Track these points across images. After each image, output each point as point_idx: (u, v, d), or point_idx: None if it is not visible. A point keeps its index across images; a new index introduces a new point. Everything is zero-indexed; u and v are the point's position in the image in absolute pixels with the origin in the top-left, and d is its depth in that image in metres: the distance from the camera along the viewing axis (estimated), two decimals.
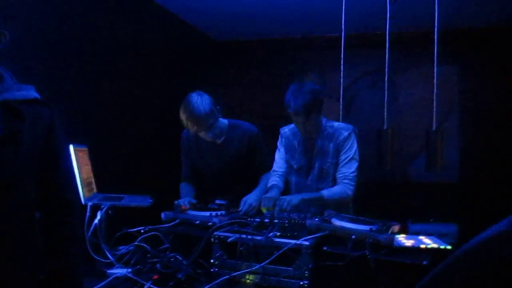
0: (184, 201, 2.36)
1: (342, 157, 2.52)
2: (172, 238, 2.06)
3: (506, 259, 0.79)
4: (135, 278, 1.79)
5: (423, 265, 1.56)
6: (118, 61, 3.41)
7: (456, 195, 4.50)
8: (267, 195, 2.43)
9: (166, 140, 3.36)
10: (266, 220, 2.01)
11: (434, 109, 2.68)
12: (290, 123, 2.69)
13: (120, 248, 2.11)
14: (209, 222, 2.08)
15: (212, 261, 1.84)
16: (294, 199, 2.28)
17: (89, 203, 2.04)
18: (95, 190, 2.30)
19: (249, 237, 1.80)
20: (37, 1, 2.54)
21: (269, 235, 1.79)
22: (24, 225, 1.34)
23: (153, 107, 3.90)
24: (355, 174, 2.51)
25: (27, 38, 2.43)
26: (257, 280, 1.75)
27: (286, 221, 1.96)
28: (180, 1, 3.83)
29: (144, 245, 1.97)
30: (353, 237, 1.70)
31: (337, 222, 1.86)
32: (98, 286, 1.78)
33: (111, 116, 3.29)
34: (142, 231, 2.03)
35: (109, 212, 2.06)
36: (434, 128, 2.66)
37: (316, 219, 1.91)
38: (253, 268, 1.76)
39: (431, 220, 4.32)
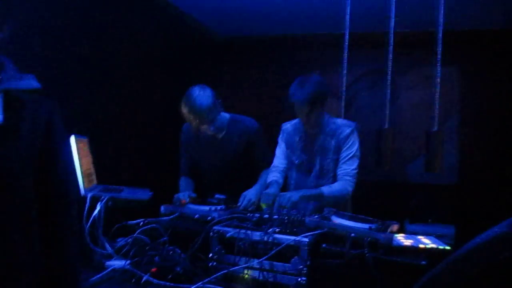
0: (184, 195, 2.36)
1: (344, 154, 2.51)
2: (171, 231, 2.06)
3: (506, 261, 0.79)
4: (133, 270, 1.79)
5: (422, 265, 1.57)
6: (121, 54, 3.40)
7: (454, 196, 4.51)
8: (267, 191, 2.43)
9: (167, 134, 3.37)
10: (266, 216, 2.01)
11: (436, 110, 2.68)
12: (292, 119, 2.69)
13: (119, 240, 2.11)
14: (209, 216, 2.08)
15: (210, 255, 1.85)
16: (294, 195, 2.28)
17: (89, 194, 2.04)
18: (95, 181, 2.30)
19: (248, 232, 1.81)
20: None
21: (268, 231, 1.79)
22: (23, 218, 1.33)
23: (155, 101, 3.90)
24: (356, 171, 2.51)
25: (28, 27, 2.42)
26: (255, 276, 1.76)
27: (286, 218, 1.96)
28: None
29: (143, 237, 1.97)
30: (353, 235, 1.71)
31: (337, 220, 1.87)
32: (96, 277, 1.78)
33: (113, 109, 3.29)
34: (141, 223, 2.03)
35: (109, 203, 2.06)
36: (434, 129, 2.66)
37: (316, 216, 1.91)
38: (251, 264, 1.76)
39: (429, 221, 4.34)
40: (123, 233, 2.09)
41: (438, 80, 2.72)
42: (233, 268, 1.78)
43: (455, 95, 4.65)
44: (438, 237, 1.84)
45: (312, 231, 1.80)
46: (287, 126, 2.71)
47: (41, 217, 1.38)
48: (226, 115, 2.72)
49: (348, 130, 2.52)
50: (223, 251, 1.84)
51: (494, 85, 4.54)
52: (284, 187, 2.66)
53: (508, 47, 4.40)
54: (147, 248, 1.92)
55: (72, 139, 2.04)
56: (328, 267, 1.68)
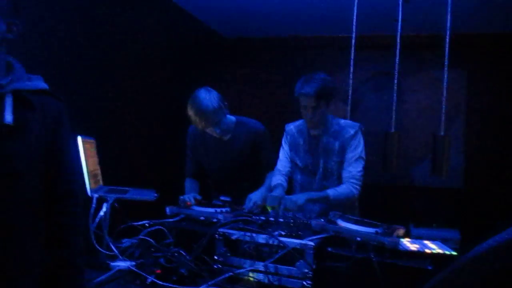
0: (189, 197, 2.36)
1: (349, 156, 2.49)
2: (176, 233, 2.06)
3: None
4: (138, 271, 1.79)
5: (427, 269, 1.56)
6: (127, 55, 3.41)
7: (460, 201, 4.49)
8: (272, 193, 2.42)
9: (172, 135, 3.37)
10: (271, 219, 2.01)
11: (443, 114, 2.66)
12: (296, 120, 2.69)
13: (124, 241, 2.12)
14: (214, 218, 2.08)
15: (215, 257, 1.85)
16: (299, 198, 2.27)
17: (95, 195, 2.05)
18: (101, 182, 2.31)
19: (254, 235, 1.80)
20: None
21: (274, 234, 1.79)
22: (30, 216, 1.34)
23: (161, 102, 3.91)
24: (361, 173, 2.48)
25: (35, 28, 2.43)
26: (260, 279, 1.76)
27: (291, 221, 1.96)
28: None
29: (148, 239, 1.97)
30: (358, 239, 1.70)
31: (343, 224, 1.86)
32: (101, 278, 1.78)
33: (119, 110, 3.30)
34: (147, 224, 2.04)
35: (115, 204, 2.06)
36: (442, 133, 2.65)
37: (322, 220, 1.91)
38: (256, 266, 1.76)
39: (434, 225, 4.31)
40: (128, 234, 2.10)
41: (445, 83, 2.70)
42: (238, 271, 1.77)
43: (461, 99, 4.63)
44: (444, 242, 1.83)
45: (317, 235, 1.80)
46: (291, 127, 2.71)
47: (48, 216, 1.39)
48: (232, 118, 2.72)
49: (352, 131, 2.50)
50: (228, 253, 1.84)
51: (501, 88, 4.51)
52: (289, 190, 2.65)
53: None
54: (152, 249, 1.93)
55: (79, 140, 2.05)
56: (333, 271, 1.67)
